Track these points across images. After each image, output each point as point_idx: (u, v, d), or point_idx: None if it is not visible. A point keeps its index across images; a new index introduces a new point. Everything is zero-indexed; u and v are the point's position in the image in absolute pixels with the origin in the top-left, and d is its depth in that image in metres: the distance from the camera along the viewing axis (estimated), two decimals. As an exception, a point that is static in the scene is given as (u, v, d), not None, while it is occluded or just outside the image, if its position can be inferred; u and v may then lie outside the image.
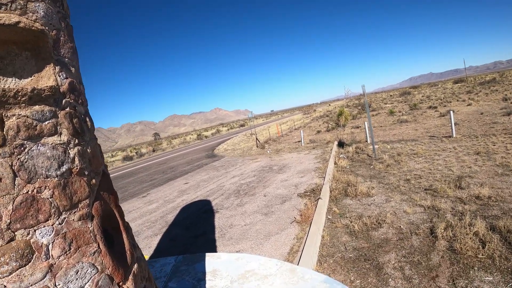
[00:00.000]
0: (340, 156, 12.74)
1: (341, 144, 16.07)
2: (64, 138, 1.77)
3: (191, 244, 6.52)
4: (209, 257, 4.98)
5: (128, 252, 2.06)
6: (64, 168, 1.73)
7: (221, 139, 46.59)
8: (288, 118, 79.32)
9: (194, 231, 7.27)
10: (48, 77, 1.75)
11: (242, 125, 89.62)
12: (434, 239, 4.93)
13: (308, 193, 8.54)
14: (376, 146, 12.94)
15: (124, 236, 2.11)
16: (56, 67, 1.81)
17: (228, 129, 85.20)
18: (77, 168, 1.80)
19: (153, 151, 51.83)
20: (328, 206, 7.32)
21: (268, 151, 18.64)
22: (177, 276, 4.48)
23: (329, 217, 6.68)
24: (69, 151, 1.78)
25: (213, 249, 6.12)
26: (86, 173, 1.90)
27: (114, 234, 2.07)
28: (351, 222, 6.04)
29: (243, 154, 20.64)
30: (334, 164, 11.57)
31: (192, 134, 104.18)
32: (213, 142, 42.88)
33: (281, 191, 9.28)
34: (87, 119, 2.11)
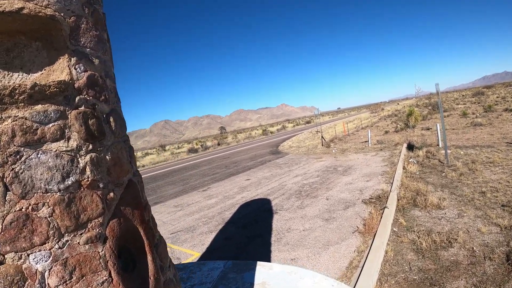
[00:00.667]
0: (410, 160, 11.54)
1: (410, 147, 14.66)
2: (73, 143, 1.48)
3: (246, 245, 6.21)
4: (260, 266, 4.59)
5: (151, 278, 1.73)
6: (70, 181, 1.44)
7: (286, 135, 46.20)
8: (354, 116, 76.27)
9: (251, 231, 6.97)
10: (61, 70, 1.46)
11: (308, 122, 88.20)
12: (510, 267, 4.02)
13: (374, 200, 7.75)
14: (448, 151, 11.50)
15: (149, 258, 1.77)
16: (72, 59, 1.52)
17: (293, 126, 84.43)
18: (88, 180, 1.50)
19: (218, 144, 53.26)
20: (394, 216, 6.52)
21: (334, 151, 17.78)
22: (223, 284, 4.17)
23: (394, 229, 5.92)
24: (79, 159, 1.49)
25: (267, 254, 5.75)
26: (101, 185, 1.60)
27: (137, 254, 1.76)
28: (418, 238, 5.26)
29: (308, 152, 20.00)
30: (403, 169, 10.49)
31: (257, 129, 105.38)
32: (278, 138, 42.65)
33: (344, 195, 8.59)
34: (111, 119, 1.81)
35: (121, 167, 1.81)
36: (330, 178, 10.96)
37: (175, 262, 6.07)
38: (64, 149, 1.44)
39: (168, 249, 6.58)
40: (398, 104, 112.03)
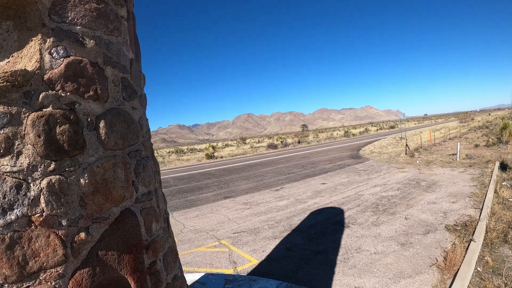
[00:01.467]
0: (503, 183, 9.47)
1: (503, 167, 12.12)
2: (23, 162, 1.03)
3: (307, 261, 5.51)
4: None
5: None
6: (13, 215, 0.99)
7: (368, 139, 43.54)
8: (442, 124, 68.89)
9: (316, 244, 6.24)
10: (30, 57, 1.03)
11: (392, 127, 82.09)
12: None
13: (459, 228, 6.38)
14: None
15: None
16: (48, 40, 1.09)
17: (377, 129, 79.38)
18: (41, 216, 1.05)
19: (298, 142, 52.51)
20: (480, 252, 5.20)
21: (418, 161, 15.76)
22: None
23: (478, 269, 4.67)
24: (30, 184, 1.04)
25: (329, 276, 5.00)
26: (65, 222, 1.12)
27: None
28: (505, 285, 4.03)
29: (390, 160, 18.18)
30: (494, 192, 8.59)
31: (339, 130, 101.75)
32: (360, 141, 40.37)
33: (426, 217, 7.29)
34: (103, 124, 1.32)
35: (108, 194, 1.31)
36: (412, 194, 9.56)
37: (230, 266, 5.69)
38: (9, 169, 1.00)
39: (226, 249, 6.23)
40: (489, 114, 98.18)
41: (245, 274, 5.24)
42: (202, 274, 4.87)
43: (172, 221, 9.60)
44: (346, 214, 8.05)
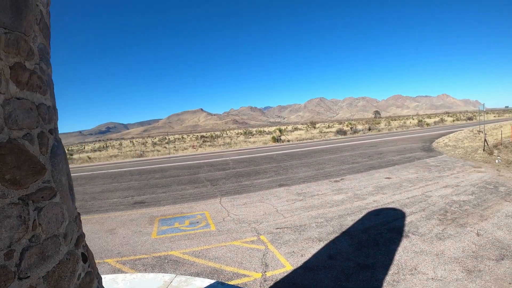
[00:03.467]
0: None
1: None
2: None
3: (348, 277, 4.41)
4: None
5: None
6: None
7: (443, 130, 38.99)
8: None
9: (365, 255, 5.09)
10: None
11: (469, 118, 72.49)
12: None
13: None
14: None
15: None
16: None
17: (453, 120, 70.86)
18: None
19: (369, 129, 49.30)
20: None
21: (497, 161, 13.04)
22: None
23: None
24: None
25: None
26: None
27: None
28: None
29: (465, 156, 15.52)
30: None
31: (413, 119, 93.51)
32: (434, 132, 36.30)
33: (502, 235, 5.55)
34: None
35: None
36: (488, 201, 7.67)
37: (259, 269, 4.89)
38: None
39: (262, 247, 5.41)
40: None
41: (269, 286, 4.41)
42: (213, 282, 4.17)
43: (218, 207, 9.15)
44: (408, 220, 6.70)
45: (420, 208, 7.47)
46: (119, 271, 5.31)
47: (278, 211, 8.15)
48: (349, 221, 6.87)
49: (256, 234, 6.58)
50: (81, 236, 2.35)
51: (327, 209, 7.94)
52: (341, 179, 11.85)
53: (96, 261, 5.93)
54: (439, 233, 5.88)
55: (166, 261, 5.61)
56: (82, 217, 9.74)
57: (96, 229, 8.07)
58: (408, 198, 8.42)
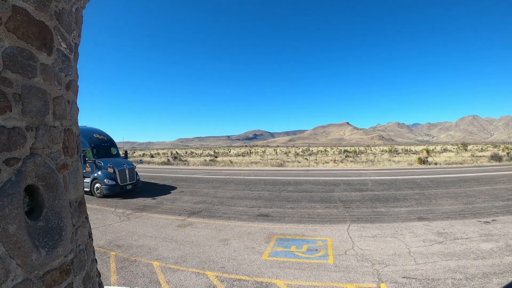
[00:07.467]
0: None
1: None
2: None
3: None
4: None
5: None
6: None
7: None
8: None
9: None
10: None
11: None
12: None
13: None
14: None
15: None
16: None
17: None
18: None
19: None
20: None
21: None
22: None
23: None
24: None
25: None
26: None
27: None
28: None
29: None
30: None
31: None
32: None
33: None
34: None
35: None
36: None
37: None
38: None
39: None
40: None
41: None
42: None
43: (344, 235, 8.93)
44: None
45: None
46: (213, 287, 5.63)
47: (410, 252, 7.38)
48: (494, 285, 5.75)
49: (377, 280, 6.03)
50: None
51: (469, 261, 6.75)
52: (493, 220, 9.85)
53: (197, 270, 6.42)
54: None
55: (265, 290, 5.55)
56: (205, 221, 10.63)
57: (211, 236, 8.64)
58: None
